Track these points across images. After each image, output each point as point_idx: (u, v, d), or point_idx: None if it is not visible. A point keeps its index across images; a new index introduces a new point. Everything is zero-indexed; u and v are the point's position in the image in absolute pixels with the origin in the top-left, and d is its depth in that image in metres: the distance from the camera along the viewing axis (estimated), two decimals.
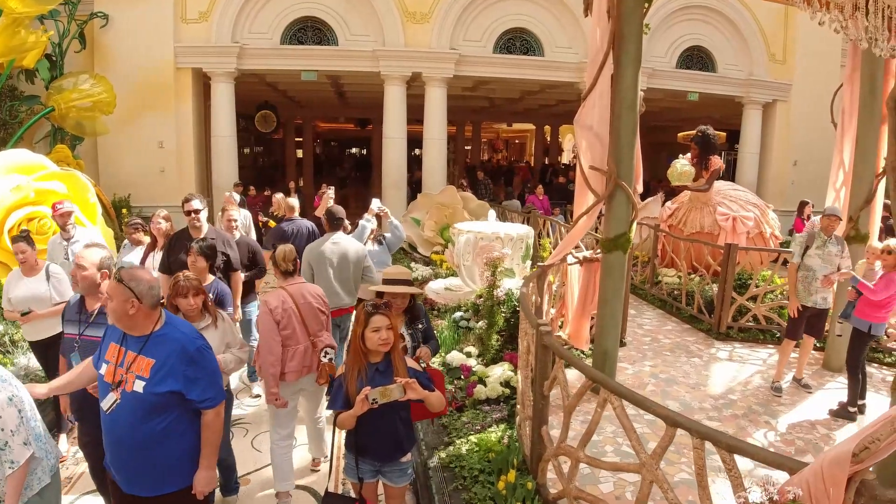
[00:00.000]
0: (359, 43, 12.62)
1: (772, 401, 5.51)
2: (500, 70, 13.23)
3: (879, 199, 5.96)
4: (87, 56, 11.78)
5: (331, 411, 3.08)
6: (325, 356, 3.99)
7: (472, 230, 7.56)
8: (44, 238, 6.28)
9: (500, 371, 5.05)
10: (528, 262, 7.94)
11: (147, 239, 5.92)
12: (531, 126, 29.41)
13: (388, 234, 6.38)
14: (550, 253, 8.59)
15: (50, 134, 11.33)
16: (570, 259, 5.79)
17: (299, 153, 25.91)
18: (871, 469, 1.97)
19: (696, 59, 14.16)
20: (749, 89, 14.30)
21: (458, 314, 6.38)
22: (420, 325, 3.95)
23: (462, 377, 5.10)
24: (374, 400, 2.76)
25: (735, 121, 15.27)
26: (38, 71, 10.75)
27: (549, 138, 27.96)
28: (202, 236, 5.02)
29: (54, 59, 11.18)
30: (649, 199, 10.93)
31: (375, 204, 6.33)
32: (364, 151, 34.43)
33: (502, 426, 4.40)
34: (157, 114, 12.05)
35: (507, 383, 4.92)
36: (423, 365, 3.41)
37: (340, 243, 5.22)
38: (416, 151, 19.38)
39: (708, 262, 8.10)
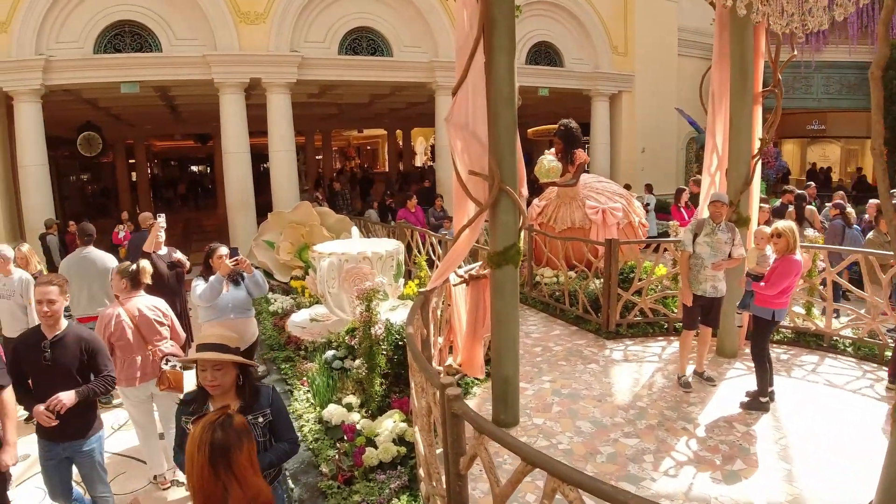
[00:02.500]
0: (186, 48, 11.16)
1: (682, 401, 5.17)
2: (346, 72, 12.37)
3: (757, 182, 5.82)
4: None
5: None
6: (166, 364, 4.14)
7: (334, 252, 6.62)
8: None
9: (390, 424, 4.18)
10: (402, 280, 7.16)
11: None
12: (383, 131, 28.78)
13: (245, 274, 5.20)
14: (426, 270, 7.88)
15: None
16: (453, 279, 5.05)
17: (134, 176, 23.59)
18: None
19: (544, 54, 14.18)
20: (595, 82, 14.60)
21: (329, 353, 5.42)
22: (261, 418, 2.59)
23: (346, 439, 4.18)
24: None
25: (580, 113, 15.49)
26: None
27: (401, 143, 27.43)
28: None
29: None
30: None
31: (230, 260, 5.02)
32: (208, 169, 31.92)
33: (405, 498, 3.55)
34: None
35: (401, 439, 4.07)
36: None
37: (88, 256, 5.96)
38: (264, 166, 17.96)
39: (589, 260, 7.77)
